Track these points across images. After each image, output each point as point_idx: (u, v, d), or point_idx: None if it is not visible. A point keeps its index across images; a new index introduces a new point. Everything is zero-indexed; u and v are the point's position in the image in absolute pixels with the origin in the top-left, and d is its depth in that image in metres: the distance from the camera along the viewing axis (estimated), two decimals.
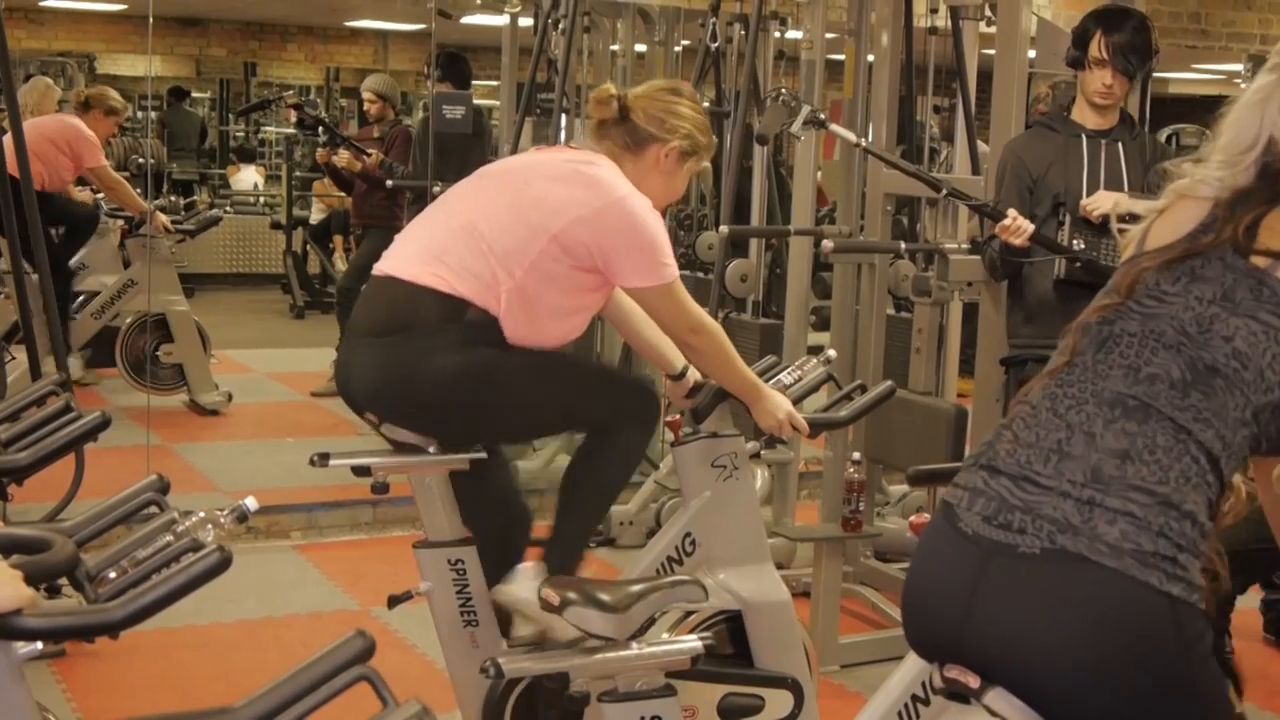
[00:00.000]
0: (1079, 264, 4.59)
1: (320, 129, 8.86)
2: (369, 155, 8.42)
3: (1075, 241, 4.64)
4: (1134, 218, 2.35)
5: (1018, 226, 4.56)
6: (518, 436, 3.73)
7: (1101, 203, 4.61)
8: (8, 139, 5.79)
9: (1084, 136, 4.78)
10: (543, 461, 7.12)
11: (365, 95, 9.16)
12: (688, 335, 3.65)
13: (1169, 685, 2.04)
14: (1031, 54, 5.41)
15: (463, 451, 3.64)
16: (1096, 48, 4.67)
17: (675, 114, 3.69)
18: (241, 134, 16.45)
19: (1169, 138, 11.26)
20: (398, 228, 3.79)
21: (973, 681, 2.14)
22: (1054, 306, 4.63)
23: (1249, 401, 2.10)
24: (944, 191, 4.94)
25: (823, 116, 5.02)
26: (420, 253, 3.55)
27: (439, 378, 3.45)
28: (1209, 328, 2.11)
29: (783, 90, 5.23)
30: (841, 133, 5.13)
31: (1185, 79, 16.09)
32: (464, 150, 7.51)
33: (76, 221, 8.53)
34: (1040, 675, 2.07)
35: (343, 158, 8.61)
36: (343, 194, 10.43)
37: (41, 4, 13.38)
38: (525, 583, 3.58)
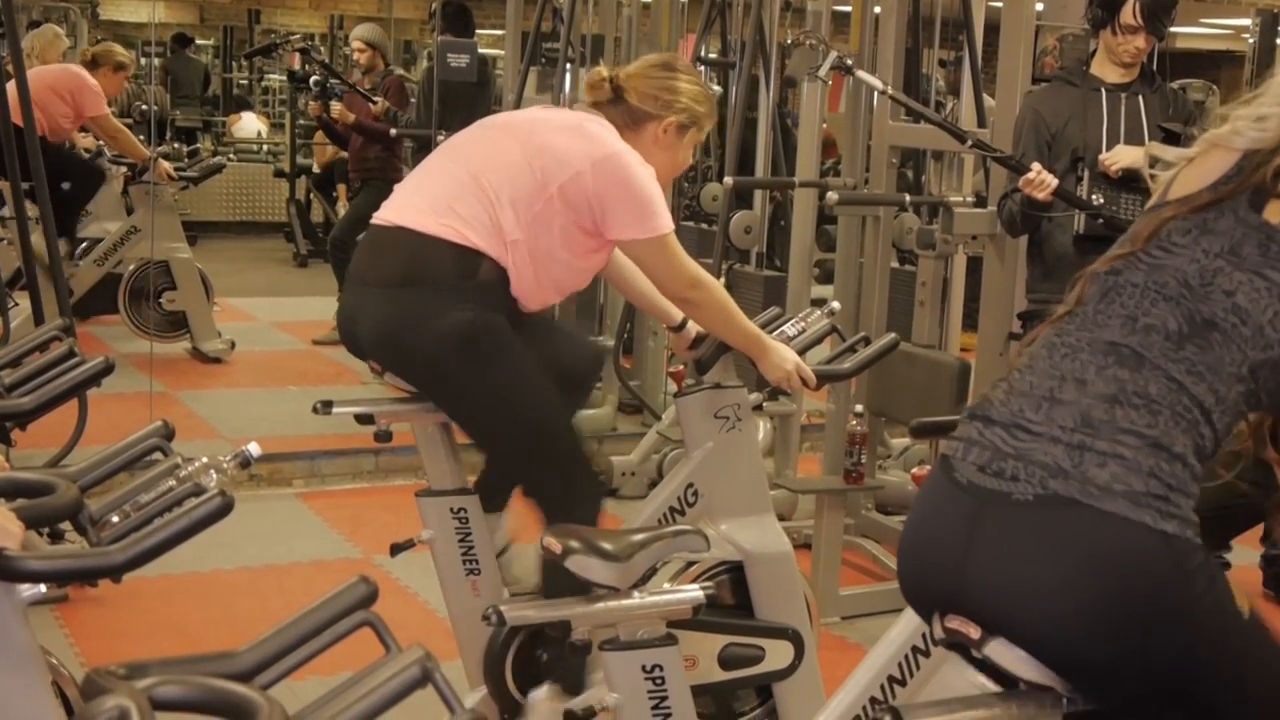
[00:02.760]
0: (1100, 219, 4.58)
1: (312, 81, 8.83)
2: (376, 102, 8.40)
3: (1095, 196, 4.63)
4: (1165, 164, 2.33)
5: (1042, 180, 4.54)
6: (487, 424, 3.67)
7: (1120, 157, 4.60)
8: (11, 85, 5.77)
9: (1103, 91, 4.75)
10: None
11: (354, 44, 9.12)
12: (686, 291, 3.63)
13: (1176, 621, 2.03)
14: (1039, 6, 5.38)
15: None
16: (1130, 13, 4.62)
17: (669, 89, 3.67)
18: (245, 81, 16.39)
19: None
20: (396, 179, 3.78)
21: (973, 632, 2.14)
22: (1073, 261, 4.60)
23: (1246, 357, 2.09)
24: (968, 143, 4.91)
25: (849, 62, 5.00)
26: (430, 202, 3.53)
27: (445, 334, 3.45)
28: (1211, 281, 2.10)
29: (810, 34, 5.21)
30: (868, 79, 5.10)
31: (1193, 33, 16.02)
32: (469, 99, 7.49)
33: (76, 178, 8.41)
34: (1039, 621, 2.08)
35: (335, 110, 8.58)
36: (331, 144, 10.41)
37: None
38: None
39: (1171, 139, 4.55)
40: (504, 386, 3.54)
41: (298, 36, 10.62)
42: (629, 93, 3.65)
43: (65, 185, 8.11)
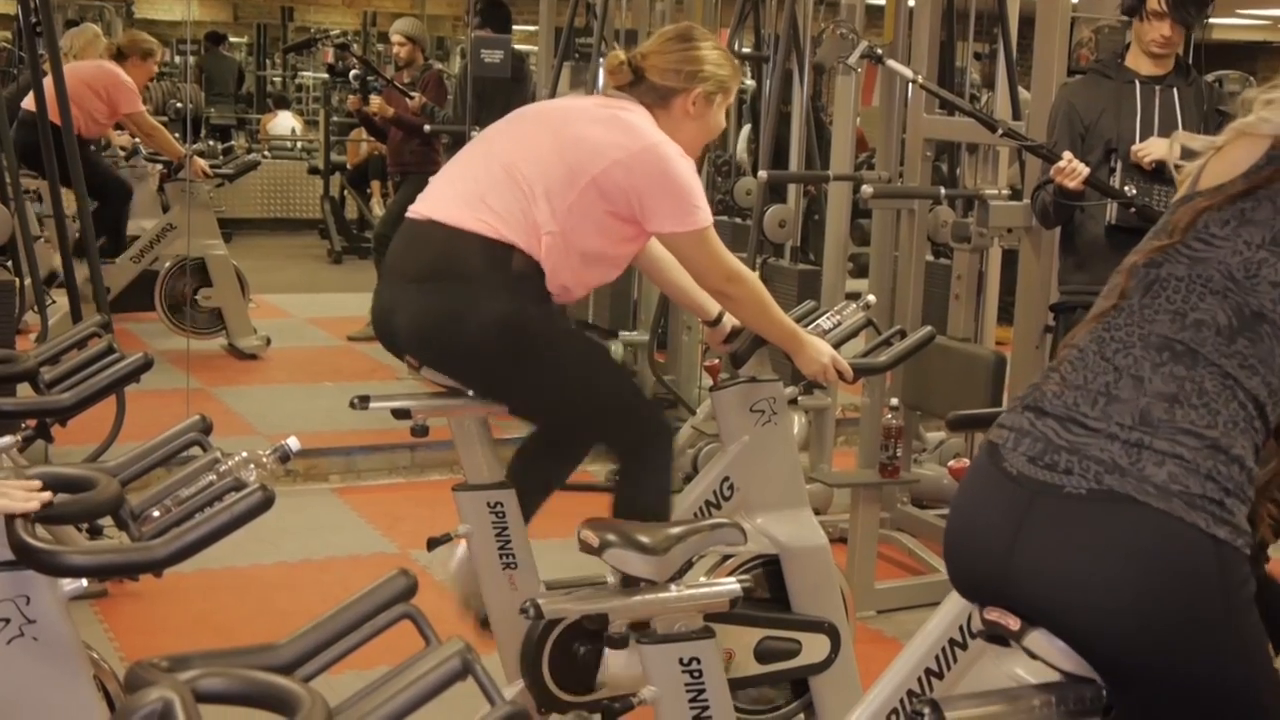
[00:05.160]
0: (1133, 209, 4.57)
1: (351, 75, 8.87)
2: (413, 98, 8.43)
3: (1127, 188, 4.63)
4: (1191, 154, 2.32)
5: (1073, 169, 4.53)
6: (543, 406, 3.71)
7: (1153, 148, 4.59)
8: (48, 83, 5.80)
9: (1137, 83, 4.74)
10: None
11: (394, 38, 9.14)
12: (724, 284, 3.62)
13: (1210, 628, 2.03)
14: None
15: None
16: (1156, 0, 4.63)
17: (690, 60, 3.64)
18: (279, 79, 16.45)
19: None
20: (435, 173, 3.79)
21: (1013, 624, 2.14)
22: (1105, 253, 4.60)
23: None
24: (999, 131, 4.90)
25: (879, 51, 4.99)
26: (463, 195, 3.54)
27: (484, 326, 3.45)
28: (1256, 273, 2.09)
29: (841, 23, 5.21)
30: (899, 68, 5.10)
31: (1229, 24, 15.92)
32: (505, 95, 7.49)
33: (103, 191, 8.25)
34: (1083, 615, 2.07)
35: (374, 104, 8.61)
36: (372, 139, 10.45)
37: None
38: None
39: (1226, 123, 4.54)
40: (551, 369, 3.57)
41: (337, 33, 10.67)
42: (650, 71, 3.63)
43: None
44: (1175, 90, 4.76)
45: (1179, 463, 2.03)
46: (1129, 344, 2.16)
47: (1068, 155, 4.57)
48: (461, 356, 3.55)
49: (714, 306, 3.87)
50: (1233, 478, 2.03)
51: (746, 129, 8.99)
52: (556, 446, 3.92)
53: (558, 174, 3.47)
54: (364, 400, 3.62)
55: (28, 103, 6.80)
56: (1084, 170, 4.54)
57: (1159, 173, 4.58)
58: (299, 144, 14.92)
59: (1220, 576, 2.02)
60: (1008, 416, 2.25)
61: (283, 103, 15.80)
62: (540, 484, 3.87)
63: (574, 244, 3.49)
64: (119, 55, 8.50)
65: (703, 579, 3.53)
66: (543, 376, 3.57)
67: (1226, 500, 2.02)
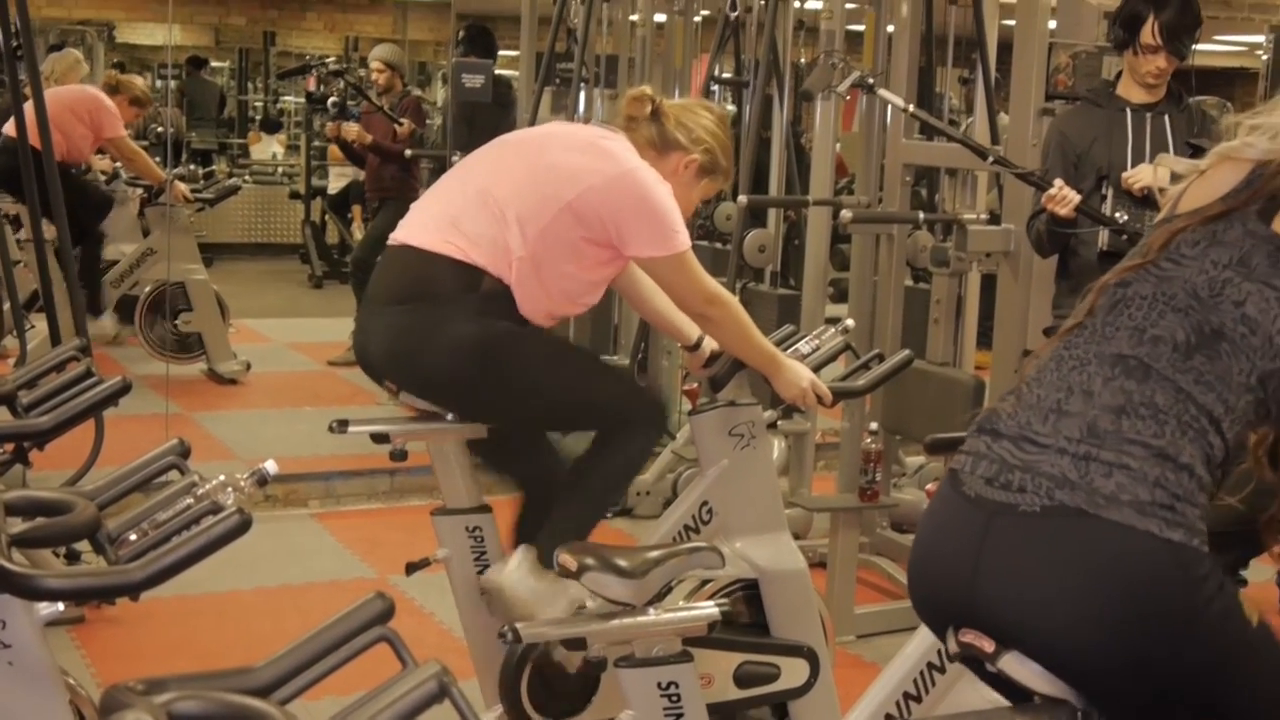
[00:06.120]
0: (1124, 236, 4.60)
1: (329, 102, 8.89)
2: (402, 124, 8.45)
3: (1119, 214, 4.65)
4: (1177, 178, 2.34)
5: (1064, 196, 4.56)
6: (526, 419, 3.72)
7: (1142, 175, 4.61)
8: (29, 107, 5.79)
9: (1128, 111, 4.77)
10: None
11: (373, 65, 9.15)
12: (704, 308, 3.64)
13: (1184, 628, 2.04)
14: (1052, 24, 5.38)
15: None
16: (1149, 33, 4.65)
17: (704, 128, 3.71)
18: (260, 103, 16.44)
19: None
20: (413, 199, 3.80)
21: (987, 646, 2.14)
22: (1097, 278, 4.61)
23: (1254, 367, 2.10)
24: (990, 160, 4.93)
25: (871, 81, 5.02)
26: (435, 220, 3.56)
27: (454, 347, 3.46)
28: (1220, 291, 2.11)
29: (832, 52, 5.24)
30: (891, 98, 5.12)
31: (1207, 50, 15.99)
32: (493, 122, 7.49)
33: (87, 205, 8.29)
34: (1050, 632, 2.08)
35: (350, 130, 8.61)
36: (350, 163, 10.48)
37: None
38: (512, 570, 3.59)
39: (1199, 155, 4.57)
40: (524, 382, 3.57)
41: (332, 59, 10.70)
42: (666, 117, 3.68)
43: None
44: (1166, 117, 4.78)
45: (1126, 472, 2.05)
46: (1085, 361, 2.18)
47: (1058, 183, 4.59)
48: (433, 378, 3.56)
49: (693, 331, 3.88)
50: (1182, 484, 2.04)
51: None
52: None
53: (531, 199, 3.49)
54: (343, 424, 3.62)
55: (8, 127, 6.79)
56: (1075, 198, 4.57)
57: (1149, 199, 4.60)
58: (280, 169, 14.92)
59: (1182, 578, 2.02)
60: (968, 442, 2.27)
61: (270, 126, 15.78)
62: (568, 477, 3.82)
63: (545, 267, 3.49)
64: (111, 90, 8.51)
65: (681, 603, 3.54)
66: (516, 390, 3.57)
67: (1177, 505, 2.03)
